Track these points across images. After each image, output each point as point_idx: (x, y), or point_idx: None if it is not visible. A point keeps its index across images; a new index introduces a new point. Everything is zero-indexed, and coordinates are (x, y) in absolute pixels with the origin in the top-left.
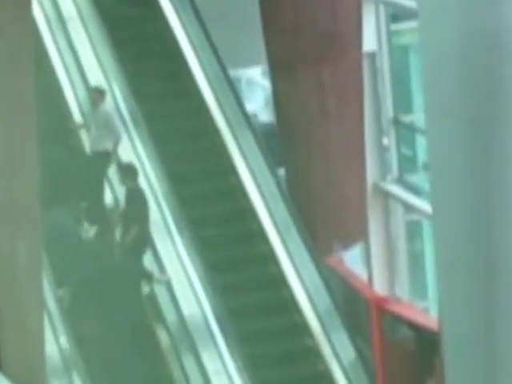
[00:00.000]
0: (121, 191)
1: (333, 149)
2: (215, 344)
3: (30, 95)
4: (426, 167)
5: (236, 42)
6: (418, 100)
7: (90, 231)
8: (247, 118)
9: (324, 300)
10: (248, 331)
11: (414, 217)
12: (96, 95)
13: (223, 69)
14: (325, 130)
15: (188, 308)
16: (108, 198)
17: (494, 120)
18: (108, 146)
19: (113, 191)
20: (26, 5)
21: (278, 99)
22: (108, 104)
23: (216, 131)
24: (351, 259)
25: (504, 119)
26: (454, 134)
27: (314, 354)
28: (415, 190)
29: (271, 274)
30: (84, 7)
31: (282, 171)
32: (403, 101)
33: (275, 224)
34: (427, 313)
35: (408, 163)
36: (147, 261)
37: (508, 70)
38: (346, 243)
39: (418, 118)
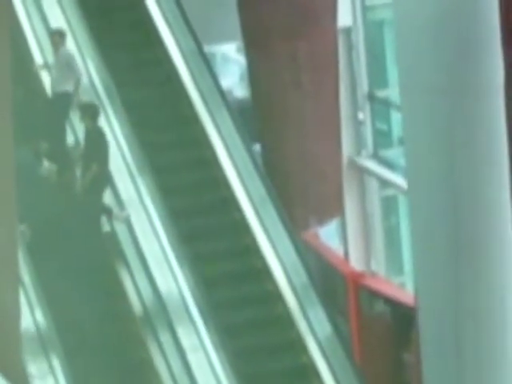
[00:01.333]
0: (81, 131)
1: (308, 124)
2: (175, 278)
3: (6, 69)
4: (401, 142)
5: (211, 17)
6: (392, 75)
7: (50, 170)
8: (222, 94)
9: (300, 274)
10: (218, 300)
11: (390, 192)
12: (56, 38)
13: (198, 44)
14: (300, 106)
15: (147, 244)
16: (69, 137)
17: (466, 92)
18: (69, 87)
19: (73, 131)
20: None
21: (253, 75)
22: (68, 46)
23: (191, 106)
24: (327, 234)
25: (476, 91)
26: (428, 109)
27: (290, 325)
28: (390, 165)
29: (246, 245)
30: None
31: (257, 147)
32: (378, 76)
33: (250, 199)
34: (403, 288)
35: (383, 138)
36: (107, 198)
37: (479, 43)
38: (322, 218)
39: (392, 92)
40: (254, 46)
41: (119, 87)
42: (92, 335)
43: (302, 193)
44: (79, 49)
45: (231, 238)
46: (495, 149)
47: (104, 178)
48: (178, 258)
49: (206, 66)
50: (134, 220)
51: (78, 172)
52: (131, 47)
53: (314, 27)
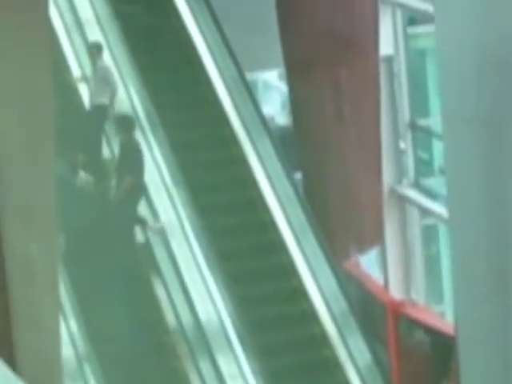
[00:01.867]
0: (116, 142)
1: (349, 152)
2: (209, 294)
3: (48, 93)
4: (443, 171)
5: (253, 44)
6: (434, 104)
7: (86, 181)
8: (264, 121)
9: (340, 303)
10: (255, 320)
11: (430, 221)
12: (94, 51)
13: (240, 72)
14: (341, 134)
15: (183, 259)
16: (105, 149)
17: (509, 122)
18: (105, 99)
19: (109, 143)
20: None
21: (295, 102)
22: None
23: (232, 134)
24: (368, 263)
25: None
26: (471, 138)
27: (329, 352)
28: (431, 194)
29: (284, 270)
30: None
31: (298, 175)
32: (420, 105)
33: (290, 225)
34: (443, 317)
35: (424, 167)
36: (142, 210)
37: None
38: (363, 247)
39: (434, 121)
40: (295, 73)
41: (159, 110)
42: (126, 347)
43: (343, 221)
44: (119, 70)
45: (269, 261)
46: None
47: (138, 190)
48: (213, 275)
49: (247, 92)
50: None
51: (113, 183)
52: (172, 70)
53: (355, 55)
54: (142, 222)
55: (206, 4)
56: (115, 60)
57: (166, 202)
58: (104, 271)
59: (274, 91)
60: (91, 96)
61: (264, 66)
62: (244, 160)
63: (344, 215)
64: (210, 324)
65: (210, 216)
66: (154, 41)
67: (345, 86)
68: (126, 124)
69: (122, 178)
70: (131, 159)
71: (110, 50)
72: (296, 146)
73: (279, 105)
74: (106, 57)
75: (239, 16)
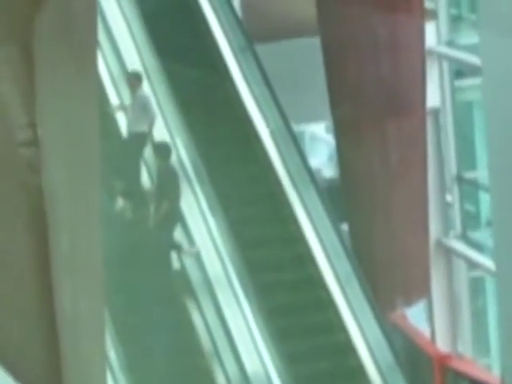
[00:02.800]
0: (154, 169)
1: (396, 205)
2: (257, 350)
3: (95, 143)
4: (490, 224)
5: (300, 97)
6: (481, 157)
7: (125, 207)
8: (311, 173)
9: (386, 356)
10: (298, 374)
11: (477, 273)
12: (133, 80)
13: (287, 124)
14: (388, 187)
15: (217, 282)
16: (144, 176)
17: None
18: (144, 127)
19: (148, 169)
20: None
21: (342, 155)
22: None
23: (278, 184)
24: (415, 315)
25: None
26: None
27: None
28: (478, 247)
29: (330, 322)
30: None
31: (345, 226)
32: (467, 157)
33: (337, 277)
34: (489, 370)
35: (471, 220)
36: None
37: None
38: (410, 300)
39: (481, 174)
40: (343, 126)
41: (206, 163)
42: (162, 371)
43: (390, 273)
44: (167, 122)
45: (315, 314)
46: None
47: (175, 215)
48: (262, 332)
49: (294, 144)
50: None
51: (151, 209)
52: (219, 123)
53: (403, 108)
54: (178, 248)
55: (254, 58)
56: (162, 111)
57: (213, 258)
58: (141, 296)
59: (320, 143)
60: (130, 124)
61: (311, 118)
62: (291, 214)
63: (391, 268)
64: (257, 378)
65: (258, 271)
66: (202, 94)
67: (392, 139)
68: (164, 151)
69: (160, 202)
70: (168, 184)
71: (158, 101)
72: (343, 198)
73: (326, 157)
74: (154, 107)
75: (287, 70)
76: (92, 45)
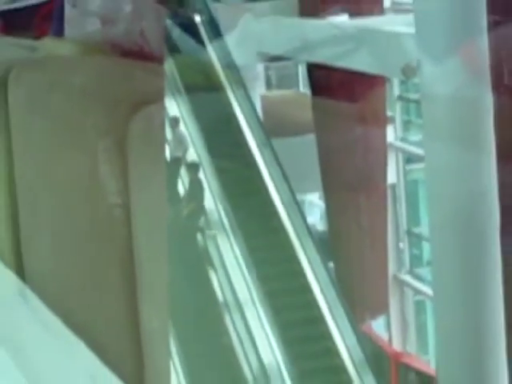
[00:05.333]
0: (186, 182)
1: (365, 251)
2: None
3: None
4: (429, 263)
5: (302, 176)
6: (424, 217)
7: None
8: (308, 227)
9: (359, 355)
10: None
11: (420, 298)
12: (173, 122)
13: (293, 195)
14: (361, 238)
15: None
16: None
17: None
18: (180, 153)
19: (182, 181)
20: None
21: (329, 216)
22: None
23: (287, 234)
24: (377, 326)
25: None
26: (451, 243)
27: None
28: (421, 279)
29: (323, 333)
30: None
31: (331, 264)
32: (414, 218)
33: (327, 301)
34: (428, 363)
35: (416, 260)
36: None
37: None
38: (374, 315)
39: (423, 229)
40: (329, 196)
41: (237, 220)
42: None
43: (361, 297)
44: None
45: (312, 326)
46: None
47: (200, 211)
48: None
49: (298, 208)
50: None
51: (183, 206)
52: (248, 195)
53: (371, 185)
54: (202, 231)
55: (271, 150)
56: (210, 188)
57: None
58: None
59: (315, 207)
60: (170, 151)
61: (309, 190)
62: (294, 253)
63: (362, 293)
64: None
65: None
66: (238, 171)
67: (363, 205)
68: (193, 168)
69: (189, 202)
70: (195, 191)
71: (206, 176)
72: (329, 244)
73: (318, 216)
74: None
75: (294, 157)
76: None
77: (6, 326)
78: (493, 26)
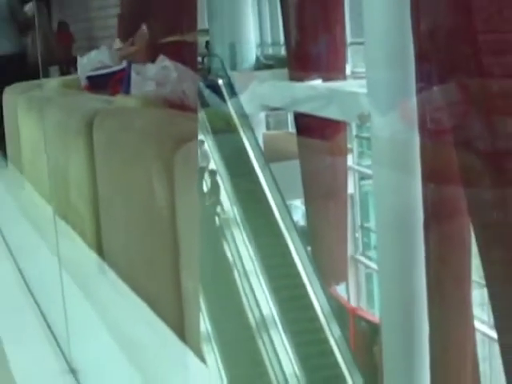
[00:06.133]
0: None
1: (333, 241)
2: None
3: None
4: (375, 247)
5: (290, 188)
6: (372, 215)
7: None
8: (294, 223)
9: (328, 310)
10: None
11: (369, 271)
12: (201, 144)
13: (283, 200)
14: (329, 231)
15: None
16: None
17: None
18: (205, 164)
19: (206, 183)
20: None
21: (308, 216)
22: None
23: (278, 227)
24: (340, 290)
25: None
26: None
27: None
28: (370, 259)
29: (305, 293)
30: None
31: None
32: (365, 215)
33: (306, 272)
34: (375, 315)
35: (367, 245)
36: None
37: None
38: (338, 281)
39: (372, 224)
40: (307, 202)
41: (247, 218)
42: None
43: (330, 269)
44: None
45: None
46: None
47: (217, 203)
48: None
49: (287, 210)
50: None
51: (206, 199)
52: (254, 203)
53: (337, 193)
54: (218, 215)
55: (269, 171)
56: (230, 199)
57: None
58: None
59: (298, 209)
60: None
61: (295, 197)
62: (286, 242)
63: (330, 265)
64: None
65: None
66: (247, 184)
67: (331, 207)
68: (213, 174)
69: (210, 196)
70: (214, 189)
71: (226, 190)
72: (308, 234)
73: (300, 215)
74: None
75: (284, 176)
76: None
77: (90, 288)
78: (419, 91)
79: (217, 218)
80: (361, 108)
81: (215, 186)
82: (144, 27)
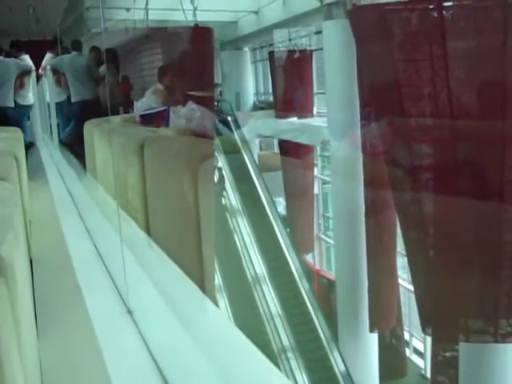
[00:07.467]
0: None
1: (304, 225)
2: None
3: None
4: (333, 229)
5: (276, 189)
6: (330, 207)
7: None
8: (277, 212)
9: (300, 271)
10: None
11: (329, 245)
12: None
13: (271, 197)
14: (301, 218)
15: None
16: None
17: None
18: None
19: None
20: None
21: (287, 208)
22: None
23: (269, 218)
24: (309, 257)
25: None
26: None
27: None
28: (329, 237)
29: (285, 260)
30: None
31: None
32: (326, 208)
33: (286, 244)
34: (332, 274)
35: (327, 228)
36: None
37: None
38: (307, 252)
39: (331, 213)
40: (287, 198)
41: (247, 213)
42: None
43: (302, 242)
44: None
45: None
46: None
47: (222, 191)
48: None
49: (273, 204)
50: None
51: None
52: (254, 202)
53: (307, 194)
54: (224, 197)
55: (261, 178)
56: (237, 202)
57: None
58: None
59: (281, 204)
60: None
61: (279, 195)
62: (271, 223)
63: (303, 240)
64: None
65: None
66: (246, 192)
67: (303, 203)
68: (220, 170)
69: (217, 186)
70: (221, 181)
71: (236, 200)
72: (287, 219)
73: (283, 208)
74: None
75: (272, 182)
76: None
77: (141, 256)
78: (362, 126)
79: (223, 199)
80: (323, 136)
81: (222, 178)
82: (159, 85)
